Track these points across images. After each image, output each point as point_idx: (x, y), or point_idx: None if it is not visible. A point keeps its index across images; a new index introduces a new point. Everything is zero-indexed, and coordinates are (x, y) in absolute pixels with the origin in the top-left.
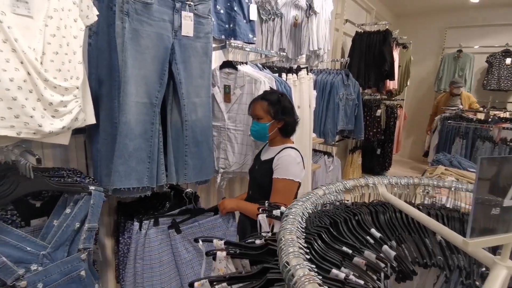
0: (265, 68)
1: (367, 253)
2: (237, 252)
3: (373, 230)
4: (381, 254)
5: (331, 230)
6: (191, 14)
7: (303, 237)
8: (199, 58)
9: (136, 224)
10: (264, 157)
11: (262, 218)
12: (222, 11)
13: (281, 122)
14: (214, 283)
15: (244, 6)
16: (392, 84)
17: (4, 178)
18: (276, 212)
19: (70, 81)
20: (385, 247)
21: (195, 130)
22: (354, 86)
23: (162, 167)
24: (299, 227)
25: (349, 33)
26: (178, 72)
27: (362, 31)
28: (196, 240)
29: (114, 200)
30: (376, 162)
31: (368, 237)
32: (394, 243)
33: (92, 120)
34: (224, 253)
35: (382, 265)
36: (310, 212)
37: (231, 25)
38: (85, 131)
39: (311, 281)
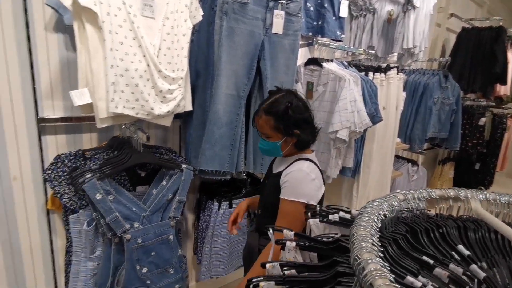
0: (350, 66)
1: (452, 266)
2: (306, 244)
3: (460, 247)
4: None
5: (409, 237)
6: (283, 13)
7: (377, 236)
8: (286, 54)
9: (216, 204)
10: (276, 169)
11: (314, 223)
12: (311, 8)
13: (295, 137)
14: (284, 267)
15: (334, 3)
16: (503, 89)
17: (121, 149)
18: (334, 217)
19: (176, 72)
20: (473, 266)
21: None
22: (453, 89)
23: (242, 155)
24: (374, 225)
25: (453, 29)
26: (265, 68)
27: (471, 27)
28: (267, 228)
29: (198, 180)
30: (473, 178)
31: (453, 253)
32: (484, 264)
33: (189, 107)
34: (294, 243)
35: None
36: (387, 215)
37: (319, 22)
38: (182, 116)
39: (382, 276)
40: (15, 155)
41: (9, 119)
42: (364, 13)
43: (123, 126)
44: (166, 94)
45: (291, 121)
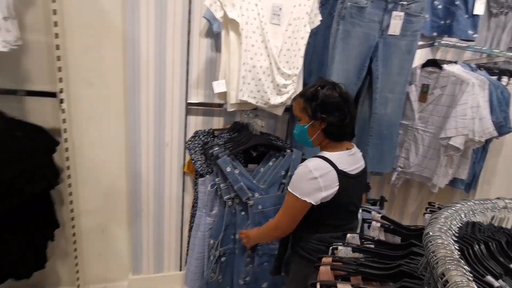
0: (480, 69)
1: None
2: (391, 227)
3: None
4: None
5: (502, 243)
6: (402, 14)
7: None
8: (401, 55)
9: None
10: None
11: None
12: (439, 7)
13: (323, 123)
14: (363, 239)
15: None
16: None
17: (240, 132)
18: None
19: (292, 70)
20: None
21: (382, 123)
22: None
23: None
24: (458, 223)
25: None
26: (376, 69)
27: None
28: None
29: None
30: None
31: None
32: None
33: None
34: (379, 224)
35: None
36: (478, 219)
37: (447, 21)
38: (291, 110)
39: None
40: (170, 128)
41: (169, 102)
42: (506, 10)
43: (244, 115)
44: (281, 88)
45: (318, 104)
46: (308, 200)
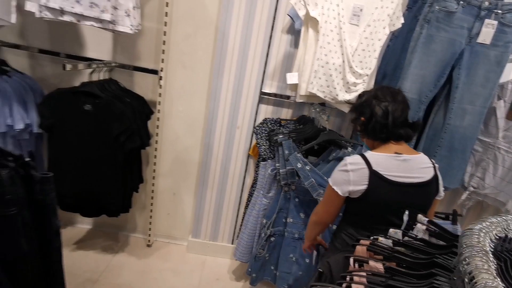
0: None
1: None
2: (436, 231)
3: None
4: None
5: None
6: (495, 22)
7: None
8: (488, 66)
9: None
10: None
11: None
12: None
13: (363, 125)
14: (406, 236)
15: None
16: None
17: (305, 124)
18: None
19: (364, 70)
20: None
21: (454, 135)
22: None
23: None
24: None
25: None
26: (458, 77)
27: None
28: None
29: None
30: None
31: None
32: None
33: None
34: (424, 227)
35: None
36: None
37: None
38: None
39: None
40: (242, 113)
41: (246, 89)
42: None
43: (312, 109)
44: (351, 86)
45: (359, 104)
46: (336, 189)
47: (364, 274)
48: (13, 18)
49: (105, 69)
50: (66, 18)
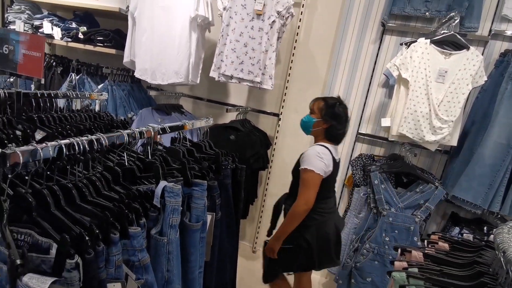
0: None
1: None
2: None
3: None
4: None
5: None
6: None
7: None
8: None
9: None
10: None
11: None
12: None
13: (327, 124)
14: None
15: None
16: None
17: (396, 160)
18: None
19: (449, 117)
20: None
21: None
22: None
23: (499, 197)
24: None
25: None
26: None
27: None
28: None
29: (449, 209)
30: None
31: None
32: None
33: (454, 142)
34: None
35: None
36: None
37: None
38: (450, 153)
39: None
40: (341, 148)
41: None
42: None
43: (402, 148)
44: (437, 130)
45: (331, 112)
46: (321, 174)
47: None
48: (198, 80)
49: (242, 111)
50: (233, 80)
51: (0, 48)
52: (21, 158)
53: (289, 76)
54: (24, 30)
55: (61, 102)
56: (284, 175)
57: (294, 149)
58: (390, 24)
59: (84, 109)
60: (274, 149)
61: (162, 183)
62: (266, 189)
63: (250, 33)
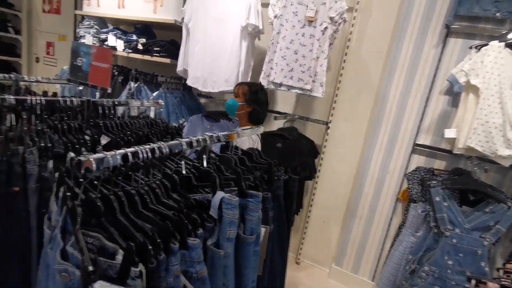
0: None
1: None
2: None
3: None
4: None
5: None
6: None
7: None
8: None
9: None
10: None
11: None
12: None
13: (250, 108)
14: None
15: None
16: None
17: (460, 176)
18: None
19: None
20: None
21: None
22: None
23: None
24: None
25: None
26: None
27: None
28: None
29: None
30: None
31: None
32: None
33: None
34: None
35: None
36: None
37: None
38: None
39: None
40: (395, 160)
41: (400, 140)
42: None
43: (468, 162)
44: (511, 143)
45: (254, 97)
46: None
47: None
48: None
49: (290, 119)
50: (282, 88)
51: (74, 60)
52: (93, 165)
53: (339, 83)
54: (93, 43)
55: (120, 108)
56: (332, 185)
57: (344, 158)
58: (455, 26)
59: (141, 115)
60: (322, 158)
61: (219, 194)
62: (312, 199)
63: (301, 40)
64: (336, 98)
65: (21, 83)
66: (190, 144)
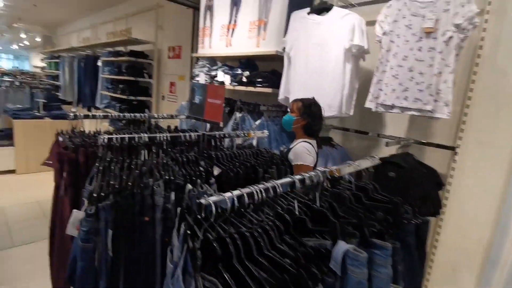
0: None
1: None
2: None
3: None
4: None
5: None
6: None
7: None
8: None
9: None
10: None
11: None
12: None
13: (305, 121)
14: None
15: None
16: None
17: None
18: None
19: None
20: None
21: None
22: None
23: None
24: None
25: None
26: None
27: None
28: None
29: None
30: None
31: None
32: None
33: None
34: None
35: None
36: None
37: None
38: None
39: None
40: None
41: None
42: None
43: None
44: None
45: (308, 111)
46: (311, 166)
47: None
48: (352, 112)
49: (404, 143)
50: (394, 110)
51: (193, 99)
52: (213, 207)
53: (468, 100)
54: (205, 80)
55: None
56: (463, 224)
57: (477, 191)
58: None
59: (246, 144)
60: (448, 191)
61: (342, 246)
62: (437, 239)
63: (417, 55)
64: (465, 118)
65: (152, 120)
66: (302, 181)
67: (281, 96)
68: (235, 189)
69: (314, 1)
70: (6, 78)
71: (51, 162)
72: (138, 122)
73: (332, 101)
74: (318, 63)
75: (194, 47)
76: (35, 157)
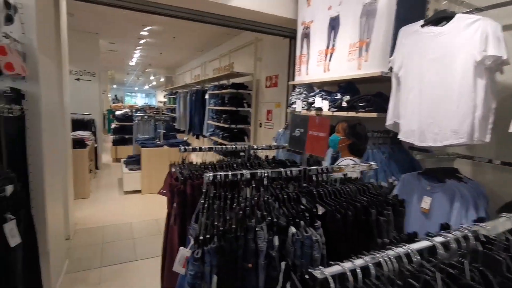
0: None
1: None
2: None
3: None
4: None
5: None
6: None
7: None
8: None
9: None
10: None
11: None
12: None
13: (350, 141)
14: None
15: None
16: None
17: None
18: None
19: None
20: None
21: None
22: None
23: None
24: None
25: None
26: None
27: None
28: None
29: None
30: None
31: None
32: None
33: None
34: None
35: None
36: None
37: None
38: None
39: None
40: None
41: None
42: None
43: None
44: None
45: (352, 131)
46: None
47: None
48: (488, 138)
49: None
50: None
51: (293, 131)
52: (332, 284)
53: None
54: (302, 107)
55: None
56: None
57: None
58: None
59: (347, 178)
60: None
61: None
62: None
63: None
64: None
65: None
66: (447, 246)
67: (389, 122)
68: (343, 235)
69: (426, 12)
70: (138, 114)
71: (164, 191)
72: (238, 153)
73: (460, 126)
74: (437, 82)
75: (290, 75)
76: (156, 179)
